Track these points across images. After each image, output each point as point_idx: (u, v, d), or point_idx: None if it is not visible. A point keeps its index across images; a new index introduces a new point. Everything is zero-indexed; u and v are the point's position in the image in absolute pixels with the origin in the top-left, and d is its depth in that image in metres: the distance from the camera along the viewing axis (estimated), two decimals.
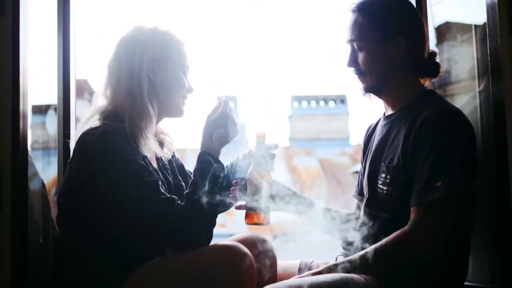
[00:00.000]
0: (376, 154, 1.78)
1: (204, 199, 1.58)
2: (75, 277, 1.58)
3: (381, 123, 1.85)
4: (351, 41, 1.77)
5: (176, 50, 1.74)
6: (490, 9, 1.69)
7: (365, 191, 1.82)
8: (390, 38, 1.72)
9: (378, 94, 1.82)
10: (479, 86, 1.89)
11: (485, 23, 1.73)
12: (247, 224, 1.78)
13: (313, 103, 24.38)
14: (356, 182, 2.01)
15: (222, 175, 1.67)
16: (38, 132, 2.02)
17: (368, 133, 1.96)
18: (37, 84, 2.01)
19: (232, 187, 1.80)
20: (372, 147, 1.84)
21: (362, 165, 1.96)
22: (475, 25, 1.97)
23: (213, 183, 1.63)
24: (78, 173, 1.60)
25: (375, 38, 1.73)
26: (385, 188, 1.69)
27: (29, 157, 1.71)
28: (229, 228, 16.22)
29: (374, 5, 1.76)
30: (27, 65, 1.64)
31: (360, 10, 1.75)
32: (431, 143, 1.58)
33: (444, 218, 1.53)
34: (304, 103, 24.49)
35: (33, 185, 1.77)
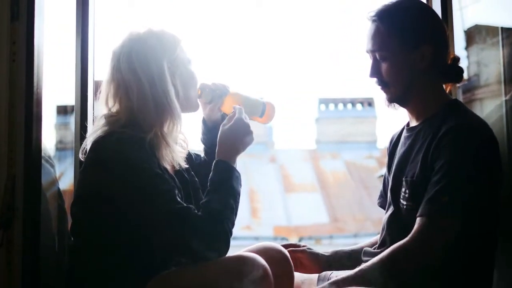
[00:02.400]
0: (399, 168, 1.74)
1: (221, 208, 1.55)
2: (88, 286, 1.56)
3: (404, 134, 1.80)
4: (372, 51, 1.72)
5: (180, 47, 1.71)
6: None
7: (389, 204, 1.77)
8: (415, 47, 1.67)
9: (403, 104, 1.76)
10: (505, 92, 1.83)
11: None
12: (270, 121, 1.86)
13: (341, 105, 24.30)
14: (380, 192, 1.96)
15: (238, 183, 1.64)
16: (62, 133, 2.01)
17: (392, 143, 1.90)
18: (59, 85, 2.01)
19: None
20: (395, 159, 1.79)
21: (386, 176, 1.91)
22: (501, 28, 1.91)
23: (228, 191, 1.60)
24: (91, 182, 1.58)
25: (399, 48, 1.67)
26: (405, 203, 1.66)
27: (44, 162, 1.69)
28: (254, 231, 16.26)
29: (396, 13, 1.70)
30: (42, 70, 1.62)
31: (381, 18, 1.69)
32: (447, 157, 1.54)
33: (444, 234, 1.51)
34: (332, 106, 24.41)
35: (50, 191, 1.75)
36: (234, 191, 1.61)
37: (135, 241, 1.54)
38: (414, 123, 1.77)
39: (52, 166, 1.82)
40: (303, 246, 1.95)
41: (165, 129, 1.63)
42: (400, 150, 1.78)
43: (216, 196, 1.57)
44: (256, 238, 13.73)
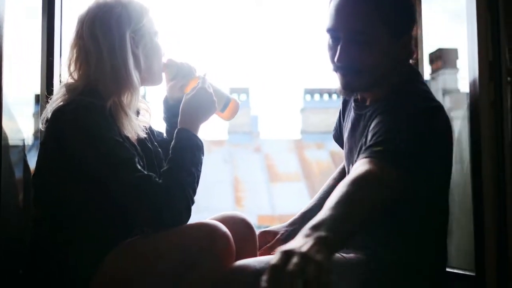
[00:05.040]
0: (349, 151, 1.65)
1: (182, 176, 1.55)
2: (52, 256, 1.55)
3: (356, 111, 1.63)
4: (354, 31, 1.47)
5: (147, 18, 1.70)
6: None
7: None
8: (400, 36, 1.50)
9: (366, 91, 1.59)
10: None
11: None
12: (232, 118, 1.79)
13: (326, 96, 24.34)
14: (335, 124, 1.89)
15: (201, 152, 1.64)
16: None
17: (343, 106, 1.79)
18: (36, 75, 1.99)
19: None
20: (346, 133, 1.69)
21: (341, 122, 1.80)
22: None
23: (190, 159, 1.59)
24: (52, 153, 1.58)
25: (388, 33, 1.48)
26: None
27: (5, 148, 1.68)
28: None
29: None
30: (2, 56, 1.58)
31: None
32: (380, 119, 1.42)
33: (391, 168, 1.29)
34: (317, 96, 24.46)
35: (15, 164, 1.74)
36: (196, 159, 1.60)
37: (96, 210, 1.55)
38: (365, 102, 1.62)
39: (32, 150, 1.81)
40: (282, 232, 1.84)
41: (123, 99, 1.63)
42: (351, 133, 1.64)
43: (177, 164, 1.57)
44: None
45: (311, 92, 24.54)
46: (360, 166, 1.28)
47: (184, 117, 1.67)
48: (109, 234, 1.55)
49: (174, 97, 1.85)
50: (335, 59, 1.50)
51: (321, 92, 24.36)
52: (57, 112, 1.57)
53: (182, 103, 1.69)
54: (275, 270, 0.94)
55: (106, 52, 1.60)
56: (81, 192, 1.55)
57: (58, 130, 1.56)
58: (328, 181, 1.93)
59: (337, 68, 1.53)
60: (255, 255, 1.71)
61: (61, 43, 2.09)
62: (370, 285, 1.47)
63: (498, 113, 1.47)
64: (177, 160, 1.58)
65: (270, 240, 1.83)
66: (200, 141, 1.65)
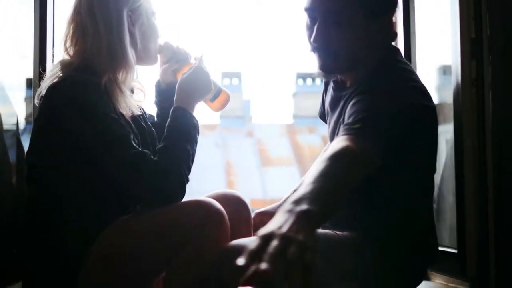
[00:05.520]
0: (332, 132, 1.64)
1: (177, 154, 1.56)
2: (46, 234, 1.56)
3: (336, 92, 1.63)
4: (328, 12, 1.46)
5: None
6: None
7: None
8: (376, 17, 1.48)
9: (343, 74, 1.59)
10: None
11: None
12: (221, 109, 1.81)
13: (318, 80, 24.22)
14: (320, 103, 1.88)
15: (196, 130, 1.65)
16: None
17: (325, 87, 1.79)
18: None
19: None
20: (329, 114, 1.69)
21: (325, 101, 1.78)
22: None
23: (186, 137, 1.60)
24: (47, 130, 1.58)
25: (362, 15, 1.45)
26: None
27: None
28: None
29: None
30: None
31: None
32: (362, 96, 1.40)
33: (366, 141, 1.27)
34: (309, 81, 24.36)
35: (12, 156, 1.78)
36: (191, 137, 1.61)
37: (91, 187, 1.55)
38: (345, 84, 1.61)
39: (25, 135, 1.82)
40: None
41: (119, 76, 1.63)
42: (332, 114, 1.65)
43: (172, 142, 1.58)
44: None
45: (303, 76, 24.45)
46: (338, 143, 1.26)
47: (180, 95, 1.68)
48: (104, 211, 1.56)
49: (166, 80, 1.86)
50: (311, 39, 1.50)
51: (313, 77, 24.22)
52: (52, 88, 1.57)
53: (178, 81, 1.71)
54: (253, 255, 0.84)
55: (103, 28, 1.61)
56: (76, 169, 1.55)
57: (53, 107, 1.56)
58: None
59: (314, 49, 1.52)
60: (249, 232, 1.72)
61: (54, 26, 2.09)
62: (362, 262, 1.48)
63: (480, 90, 1.50)
64: (172, 138, 1.59)
65: (266, 220, 1.82)
66: (196, 120, 1.66)
